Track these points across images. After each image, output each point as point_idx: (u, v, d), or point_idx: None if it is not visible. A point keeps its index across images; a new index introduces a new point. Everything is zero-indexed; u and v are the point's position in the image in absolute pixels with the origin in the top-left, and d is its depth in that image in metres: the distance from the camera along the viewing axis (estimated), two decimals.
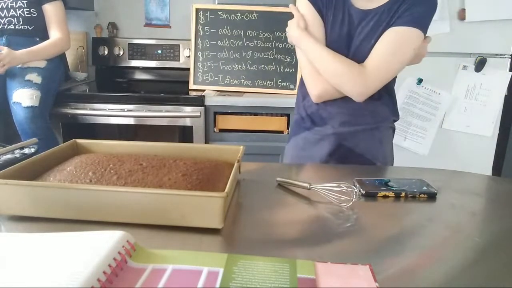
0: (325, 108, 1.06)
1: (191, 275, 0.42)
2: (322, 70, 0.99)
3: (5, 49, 1.57)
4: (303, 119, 1.13)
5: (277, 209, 0.64)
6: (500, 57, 1.89)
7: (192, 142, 1.83)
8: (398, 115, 1.12)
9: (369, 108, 1.04)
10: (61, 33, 1.74)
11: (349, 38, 0.99)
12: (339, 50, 0.98)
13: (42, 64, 1.69)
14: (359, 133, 1.06)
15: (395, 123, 1.14)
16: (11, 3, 1.67)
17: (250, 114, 1.86)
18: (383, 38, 0.95)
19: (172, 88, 2.10)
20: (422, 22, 0.94)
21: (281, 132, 1.89)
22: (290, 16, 1.05)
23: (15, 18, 1.68)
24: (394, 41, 0.94)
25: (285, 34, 1.91)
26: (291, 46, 1.95)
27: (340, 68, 0.96)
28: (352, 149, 1.06)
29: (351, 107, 1.03)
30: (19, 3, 1.68)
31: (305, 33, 1.00)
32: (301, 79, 1.11)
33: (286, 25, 1.06)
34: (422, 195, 0.71)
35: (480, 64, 1.88)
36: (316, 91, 1.02)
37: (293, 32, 1.03)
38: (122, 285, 0.40)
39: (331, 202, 0.66)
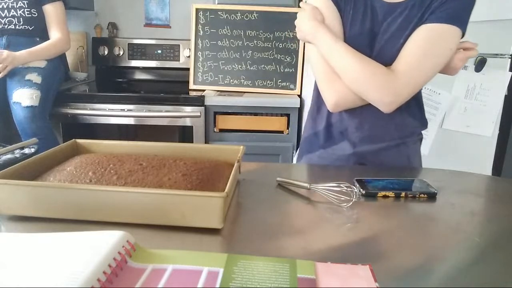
0: (343, 120, 0.93)
1: (191, 275, 0.42)
2: (342, 73, 0.84)
3: (5, 52, 1.57)
4: (317, 134, 0.99)
5: (277, 209, 0.64)
6: (500, 57, 1.89)
7: (192, 142, 1.83)
8: (427, 123, 0.99)
9: (395, 121, 0.90)
10: (61, 34, 1.75)
11: (372, 36, 0.86)
12: (360, 49, 0.84)
13: (42, 64, 1.70)
14: (383, 151, 0.93)
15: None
16: (11, 3, 1.67)
17: (250, 114, 1.86)
18: (415, 36, 0.82)
19: (172, 88, 2.10)
20: (460, 18, 0.82)
21: (281, 132, 1.89)
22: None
23: (16, 18, 1.68)
24: (428, 40, 0.81)
25: (285, 34, 1.91)
26: (291, 46, 1.95)
27: (364, 71, 0.81)
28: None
29: (374, 119, 0.90)
30: (20, 3, 1.68)
31: (322, 26, 0.86)
32: (316, 88, 0.98)
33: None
34: (422, 195, 0.71)
35: (480, 64, 1.88)
36: (333, 97, 0.87)
37: (306, 25, 0.88)
38: (122, 285, 0.40)
39: (331, 202, 0.66)
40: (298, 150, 1.10)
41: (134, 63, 2.22)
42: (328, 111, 0.93)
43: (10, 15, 1.68)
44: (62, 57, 1.87)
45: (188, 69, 2.04)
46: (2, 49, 1.60)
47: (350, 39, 0.87)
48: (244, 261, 0.45)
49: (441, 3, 0.81)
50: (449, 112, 1.95)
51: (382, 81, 0.81)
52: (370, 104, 0.86)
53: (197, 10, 1.99)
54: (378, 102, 0.83)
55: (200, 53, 2.00)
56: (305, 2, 0.93)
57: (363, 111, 0.89)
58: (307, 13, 0.88)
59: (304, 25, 0.89)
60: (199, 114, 1.79)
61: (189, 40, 2.04)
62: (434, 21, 0.81)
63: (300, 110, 1.88)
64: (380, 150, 0.93)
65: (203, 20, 1.99)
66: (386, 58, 0.84)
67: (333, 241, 0.54)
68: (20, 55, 1.61)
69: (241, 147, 0.77)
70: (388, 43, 0.85)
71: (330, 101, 0.88)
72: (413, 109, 0.93)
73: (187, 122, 1.82)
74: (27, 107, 1.58)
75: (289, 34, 1.91)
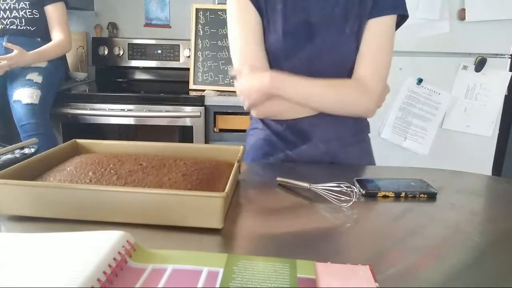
0: (305, 121, 0.89)
1: (191, 275, 0.42)
2: (322, 108, 0.85)
3: (18, 49, 1.57)
4: (277, 135, 0.93)
5: (277, 209, 0.64)
6: (500, 57, 1.89)
7: (192, 142, 1.83)
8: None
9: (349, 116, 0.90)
10: (63, 35, 1.75)
11: (310, 27, 0.83)
12: (299, 43, 0.83)
13: (43, 63, 1.70)
14: (350, 148, 0.93)
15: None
16: (13, 4, 1.68)
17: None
18: (369, 35, 0.83)
19: (172, 88, 2.10)
20: (402, 3, 0.84)
21: None
22: None
23: (18, 19, 1.69)
24: (382, 36, 0.83)
25: None
26: None
27: (341, 97, 0.83)
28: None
29: (332, 118, 0.87)
30: (22, 4, 1.68)
31: (279, 75, 0.81)
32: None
33: None
34: (422, 195, 0.71)
35: (480, 64, 1.88)
36: (248, 101, 0.84)
37: (260, 86, 0.80)
38: (122, 285, 0.40)
39: (331, 202, 0.66)
40: (250, 154, 1.00)
41: (134, 63, 2.22)
42: None
43: (12, 16, 1.68)
44: (62, 57, 1.87)
45: (188, 69, 2.04)
46: (13, 47, 1.60)
47: (287, 34, 0.83)
48: (244, 261, 0.45)
49: None
50: (449, 112, 1.95)
51: (360, 97, 0.83)
52: None
53: (197, 10, 1.99)
54: (363, 114, 0.87)
55: (200, 53, 2.00)
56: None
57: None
58: (249, 74, 0.82)
59: (256, 89, 0.81)
60: (199, 114, 1.79)
61: (189, 40, 2.04)
62: (381, 14, 0.82)
63: None
64: (347, 147, 0.92)
65: (203, 20, 1.99)
66: (332, 49, 0.83)
67: (333, 241, 0.54)
68: (29, 55, 1.61)
69: (241, 147, 0.77)
70: (334, 37, 0.83)
71: (245, 103, 0.86)
72: None
73: (187, 122, 1.82)
74: (27, 104, 1.58)
75: None
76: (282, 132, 0.92)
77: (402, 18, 0.87)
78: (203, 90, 1.96)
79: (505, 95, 1.92)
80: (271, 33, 0.85)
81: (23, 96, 1.58)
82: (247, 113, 1.88)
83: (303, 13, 0.84)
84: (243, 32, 0.85)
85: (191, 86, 2.00)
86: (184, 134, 1.90)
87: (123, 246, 0.44)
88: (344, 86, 0.83)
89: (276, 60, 0.87)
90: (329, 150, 0.92)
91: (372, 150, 1.00)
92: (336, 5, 0.83)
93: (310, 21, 0.84)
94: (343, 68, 0.87)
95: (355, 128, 0.94)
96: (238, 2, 0.85)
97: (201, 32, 1.99)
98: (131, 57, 2.21)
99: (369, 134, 1.00)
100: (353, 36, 0.84)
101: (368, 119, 0.97)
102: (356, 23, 0.84)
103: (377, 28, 0.83)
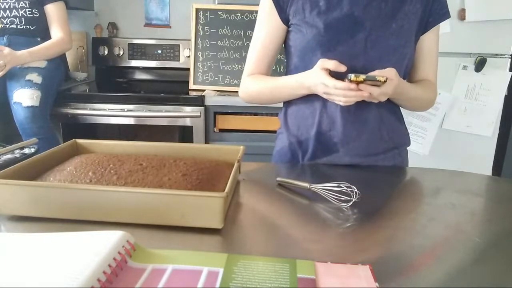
0: (339, 129, 0.87)
1: (191, 275, 0.42)
2: (418, 104, 0.92)
3: (6, 49, 1.57)
4: (301, 143, 0.92)
5: (277, 209, 0.64)
6: (500, 57, 1.89)
7: (192, 142, 1.83)
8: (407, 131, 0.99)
9: (387, 127, 0.89)
10: (63, 33, 1.75)
11: (354, 20, 0.82)
12: (340, 36, 0.82)
13: (43, 64, 1.69)
14: (379, 164, 0.91)
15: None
16: (13, 3, 1.68)
17: (250, 114, 1.86)
18: (431, 41, 0.89)
19: (172, 88, 2.10)
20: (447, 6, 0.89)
21: None
22: None
23: (17, 18, 1.69)
24: (438, 41, 0.90)
25: None
26: None
27: (431, 100, 0.92)
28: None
29: (369, 129, 0.87)
30: (22, 3, 1.68)
31: (397, 82, 0.77)
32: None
33: None
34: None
35: (480, 64, 1.88)
36: (242, 94, 0.97)
37: (392, 91, 0.78)
38: (122, 285, 0.40)
39: (331, 202, 0.66)
40: (276, 158, 1.00)
41: (134, 63, 2.22)
42: (320, 116, 0.88)
43: (12, 15, 1.68)
44: (62, 57, 1.87)
45: (188, 69, 2.04)
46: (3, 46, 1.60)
47: (329, 28, 0.82)
48: (244, 261, 0.45)
49: None
50: (449, 112, 1.95)
51: (435, 95, 0.93)
52: (369, 111, 0.85)
53: (197, 10, 1.99)
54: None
55: (200, 53, 2.00)
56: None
57: (361, 121, 0.86)
58: (244, 77, 0.95)
59: (391, 91, 0.79)
60: (199, 114, 1.79)
61: (189, 40, 2.04)
62: (440, 21, 0.87)
63: None
64: (378, 162, 0.91)
65: (203, 20, 1.99)
66: (378, 47, 0.82)
67: (333, 241, 0.54)
68: (21, 54, 1.61)
69: (241, 147, 0.77)
70: (379, 32, 0.82)
71: (240, 94, 0.98)
72: (399, 114, 0.94)
73: (187, 122, 1.82)
74: (27, 107, 1.58)
75: None
76: (307, 140, 0.91)
77: None
78: (203, 90, 1.96)
79: (505, 95, 1.92)
80: (310, 29, 0.84)
81: (24, 98, 1.58)
82: (247, 113, 1.88)
83: (347, 6, 0.82)
84: (256, 41, 0.94)
85: (191, 86, 2.00)
86: (184, 134, 1.90)
87: (123, 246, 0.44)
88: (431, 92, 0.91)
89: (314, 55, 0.85)
90: (359, 163, 0.90)
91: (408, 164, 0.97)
92: (383, 0, 0.83)
93: (354, 15, 0.82)
94: (383, 65, 0.81)
95: (389, 140, 0.91)
96: (262, 7, 0.91)
97: (201, 32, 1.99)
98: (131, 57, 2.21)
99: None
100: (400, 32, 0.84)
101: None
102: (405, 20, 0.84)
103: (435, 33, 0.89)
